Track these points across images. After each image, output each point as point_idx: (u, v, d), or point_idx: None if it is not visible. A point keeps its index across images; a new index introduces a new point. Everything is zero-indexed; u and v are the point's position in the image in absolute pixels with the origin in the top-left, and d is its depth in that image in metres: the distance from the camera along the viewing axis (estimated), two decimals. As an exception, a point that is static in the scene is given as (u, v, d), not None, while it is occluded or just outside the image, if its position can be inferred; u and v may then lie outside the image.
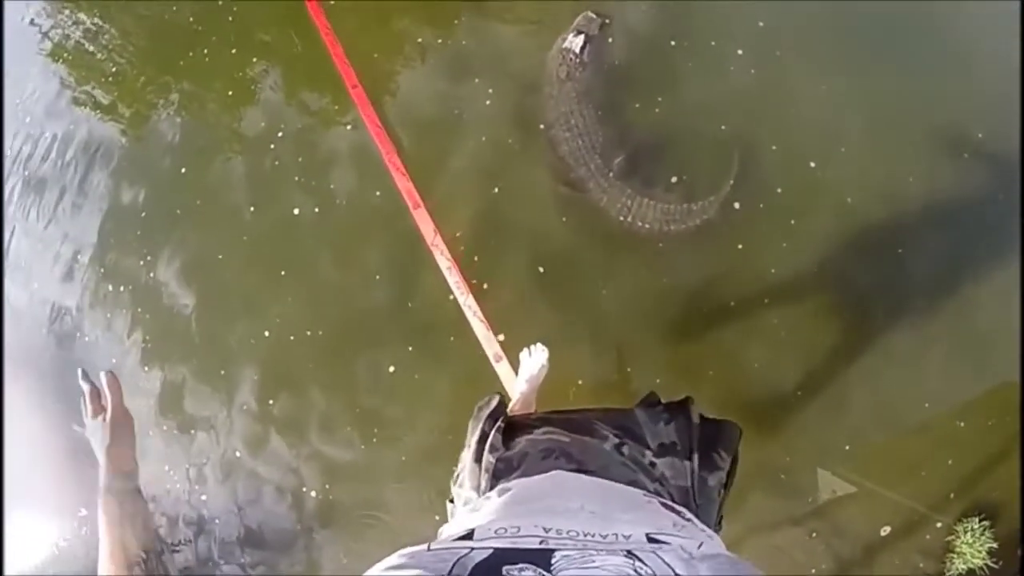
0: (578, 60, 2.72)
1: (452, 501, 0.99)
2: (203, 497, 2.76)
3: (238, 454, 2.73)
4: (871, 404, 2.48)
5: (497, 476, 0.86)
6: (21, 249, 3.21)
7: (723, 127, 2.66)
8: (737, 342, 2.51)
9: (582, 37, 2.73)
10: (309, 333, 2.73)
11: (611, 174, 2.61)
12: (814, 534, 2.45)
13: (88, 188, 3.16)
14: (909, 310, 2.53)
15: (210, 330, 2.86)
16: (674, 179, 2.64)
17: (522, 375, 2.06)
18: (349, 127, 2.88)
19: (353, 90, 2.42)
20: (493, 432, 0.94)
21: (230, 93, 3.16)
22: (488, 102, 2.83)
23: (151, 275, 2.96)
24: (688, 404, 1.06)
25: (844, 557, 2.46)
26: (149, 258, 2.98)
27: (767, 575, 0.55)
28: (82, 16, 3.55)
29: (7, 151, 3.36)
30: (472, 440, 0.98)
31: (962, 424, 2.45)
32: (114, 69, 3.37)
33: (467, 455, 0.96)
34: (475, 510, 0.78)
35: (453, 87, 2.87)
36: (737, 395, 2.47)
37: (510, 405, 1.77)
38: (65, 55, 3.48)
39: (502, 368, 2.08)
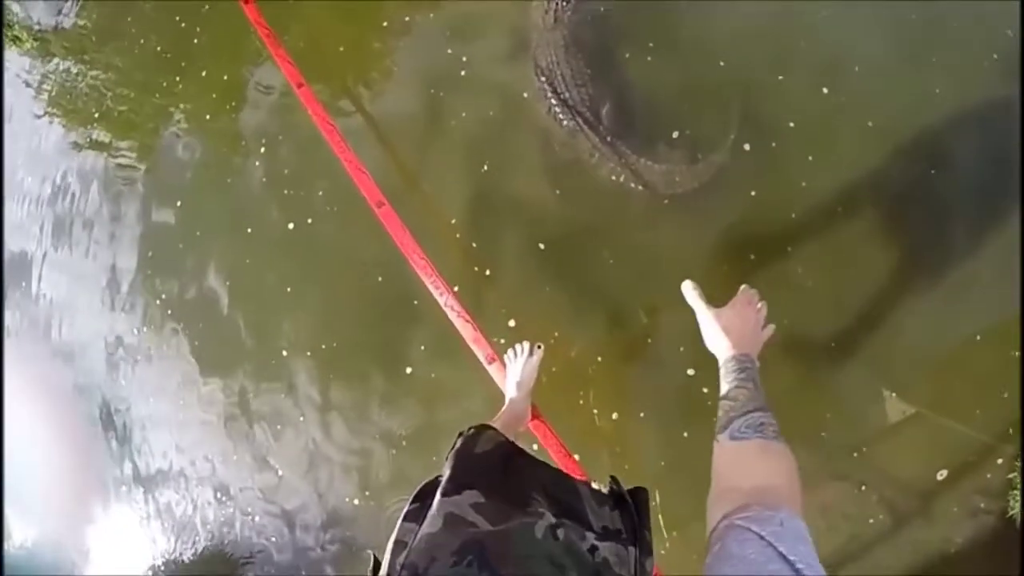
0: (565, 1, 2.46)
1: None
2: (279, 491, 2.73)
3: (280, 473, 2.69)
4: (914, 347, 2.23)
5: None
6: (62, 289, 3.21)
7: (721, 63, 2.38)
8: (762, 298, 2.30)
9: None
10: (324, 346, 2.64)
11: (602, 128, 2.37)
12: (863, 487, 2.27)
13: (110, 218, 3.15)
14: (949, 236, 2.25)
15: (230, 352, 2.81)
16: (675, 134, 2.38)
17: (510, 379, 1.72)
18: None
19: (299, 89, 2.22)
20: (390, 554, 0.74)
21: (207, 117, 3.06)
22: (463, 72, 2.61)
23: (182, 297, 2.92)
24: (618, 487, 0.91)
25: (899, 507, 2.28)
26: (163, 297, 2.95)
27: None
28: (64, 63, 3.52)
29: (33, 197, 3.39)
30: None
31: (1016, 354, 2.19)
32: (95, 111, 3.33)
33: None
34: None
35: (426, 64, 2.66)
36: (766, 356, 2.27)
37: (497, 415, 1.58)
38: (60, 106, 3.47)
39: (495, 370, 1.85)
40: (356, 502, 2.57)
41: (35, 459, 3.13)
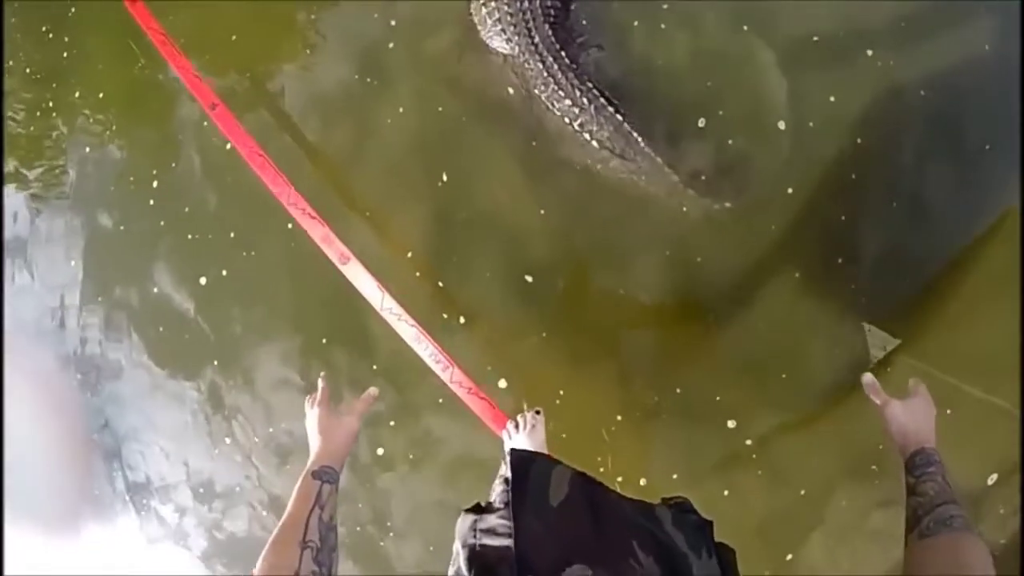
0: None
1: None
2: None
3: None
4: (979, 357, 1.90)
5: None
6: (25, 312, 2.58)
7: (744, 27, 1.80)
8: (809, 329, 1.79)
9: None
10: (272, 429, 2.05)
11: (563, 53, 1.76)
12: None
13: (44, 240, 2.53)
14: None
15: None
16: (701, 122, 1.80)
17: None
18: (229, 146, 1.99)
19: (212, 112, 1.57)
20: None
21: (87, 150, 2.37)
22: (392, 45, 1.95)
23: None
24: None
25: (950, 520, 2.03)
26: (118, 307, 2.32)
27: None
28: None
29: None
30: None
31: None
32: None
33: None
34: None
35: (349, 55, 2.00)
36: (811, 398, 1.80)
37: None
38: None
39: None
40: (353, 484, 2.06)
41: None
